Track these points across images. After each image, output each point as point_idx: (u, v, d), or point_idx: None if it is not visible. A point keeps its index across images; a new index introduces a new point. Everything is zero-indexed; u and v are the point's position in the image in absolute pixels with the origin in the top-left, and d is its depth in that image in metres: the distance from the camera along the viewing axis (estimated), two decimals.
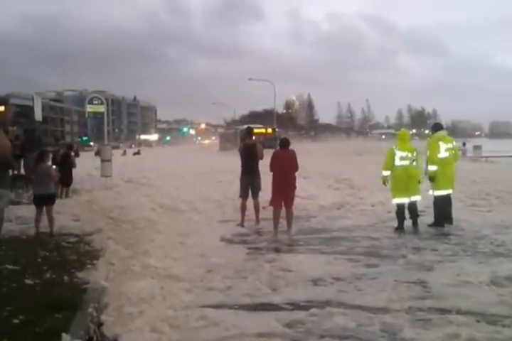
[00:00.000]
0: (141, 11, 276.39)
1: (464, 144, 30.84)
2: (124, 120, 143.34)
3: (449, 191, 8.64)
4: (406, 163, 8.35)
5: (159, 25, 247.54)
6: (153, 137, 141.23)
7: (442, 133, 8.86)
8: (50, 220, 8.09)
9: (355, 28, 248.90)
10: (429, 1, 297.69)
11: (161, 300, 4.78)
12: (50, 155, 9.99)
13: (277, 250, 7.22)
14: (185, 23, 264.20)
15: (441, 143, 8.56)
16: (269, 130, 41.74)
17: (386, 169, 8.54)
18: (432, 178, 8.48)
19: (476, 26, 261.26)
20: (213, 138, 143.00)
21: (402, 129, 9.74)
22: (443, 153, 8.53)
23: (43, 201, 8.14)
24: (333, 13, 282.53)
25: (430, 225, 8.46)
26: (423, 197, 8.61)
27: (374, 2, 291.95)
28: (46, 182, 8.26)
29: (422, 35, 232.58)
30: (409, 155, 8.36)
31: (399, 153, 8.38)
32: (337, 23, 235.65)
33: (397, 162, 8.37)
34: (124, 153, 50.29)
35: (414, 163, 8.40)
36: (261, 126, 43.06)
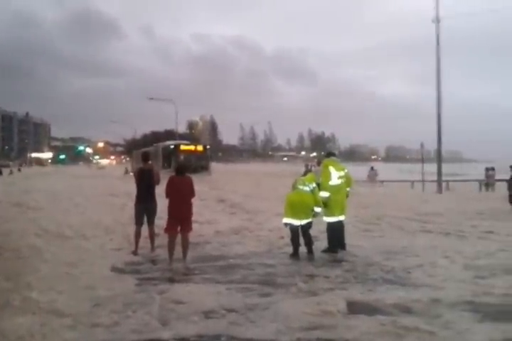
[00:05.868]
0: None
1: (372, 168, 31.45)
2: (15, 137, 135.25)
3: (341, 217, 8.90)
4: (305, 188, 8.46)
5: (30, 43, 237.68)
6: (47, 155, 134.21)
7: (332, 159, 9.17)
8: None
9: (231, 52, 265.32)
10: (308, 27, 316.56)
11: (40, 338, 4.44)
12: None
13: (171, 280, 6.97)
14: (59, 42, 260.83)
15: (332, 171, 8.81)
16: (200, 147, 34.70)
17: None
18: (325, 204, 8.68)
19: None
20: (112, 157, 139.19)
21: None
22: (334, 180, 8.78)
23: None
24: (212, 37, 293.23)
25: (324, 251, 8.62)
26: (317, 223, 8.78)
27: (238, 25, 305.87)
28: None
29: (297, 61, 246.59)
30: (307, 182, 8.54)
31: (300, 180, 8.62)
32: (224, 50, 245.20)
33: (297, 186, 8.53)
34: (11, 172, 47.52)
35: (310, 190, 8.50)
36: (188, 142, 38.09)
